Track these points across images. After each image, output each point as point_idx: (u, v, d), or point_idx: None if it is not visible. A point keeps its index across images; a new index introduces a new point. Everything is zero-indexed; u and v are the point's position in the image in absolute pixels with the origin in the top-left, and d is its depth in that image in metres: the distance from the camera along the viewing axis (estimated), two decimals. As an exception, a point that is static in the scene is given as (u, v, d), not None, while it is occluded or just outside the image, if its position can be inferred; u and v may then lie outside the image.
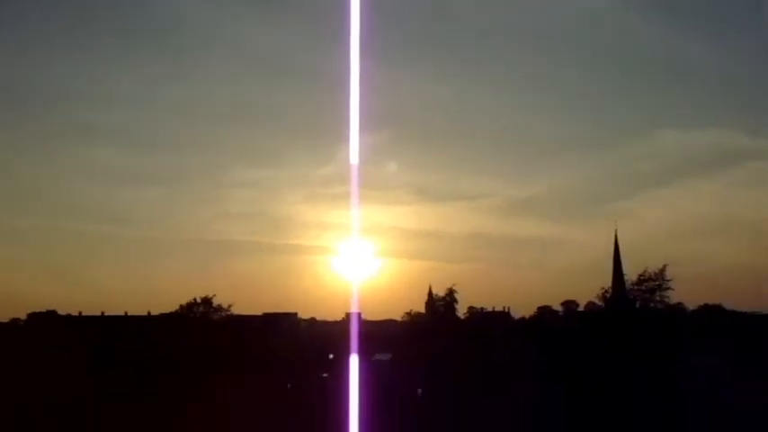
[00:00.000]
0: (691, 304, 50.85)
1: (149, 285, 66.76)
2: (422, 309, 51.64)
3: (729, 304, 52.51)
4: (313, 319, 54.31)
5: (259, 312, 51.90)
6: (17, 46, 62.44)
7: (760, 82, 67.01)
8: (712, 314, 50.04)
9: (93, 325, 47.24)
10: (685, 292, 48.88)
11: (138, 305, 55.17)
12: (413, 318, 51.16)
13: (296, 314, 55.99)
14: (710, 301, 52.47)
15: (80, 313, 51.63)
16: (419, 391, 40.26)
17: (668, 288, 44.77)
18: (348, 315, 42.41)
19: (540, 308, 56.92)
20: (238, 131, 68.61)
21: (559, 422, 34.13)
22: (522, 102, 67.81)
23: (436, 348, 43.31)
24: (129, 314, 50.15)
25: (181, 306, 45.06)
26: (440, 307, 49.50)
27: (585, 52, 68.02)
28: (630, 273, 47.47)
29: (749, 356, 41.25)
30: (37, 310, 52.49)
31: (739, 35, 65.74)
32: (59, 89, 60.92)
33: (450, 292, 48.66)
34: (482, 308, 54.44)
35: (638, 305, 45.59)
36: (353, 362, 27.45)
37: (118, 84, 62.30)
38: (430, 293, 50.04)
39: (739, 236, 66.06)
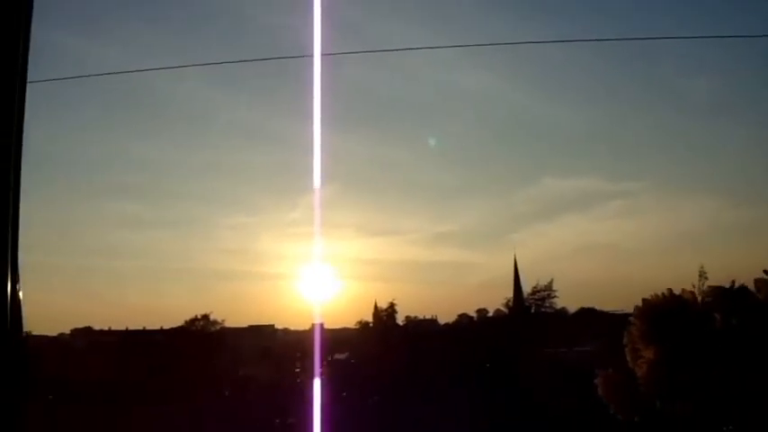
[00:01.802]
0: (571, 308, 53.32)
1: (161, 305, 68.50)
2: (370, 318, 52.28)
3: (600, 306, 55.39)
4: (287, 329, 56.09)
5: (245, 325, 54.22)
6: (68, 123, 63.38)
7: (616, 137, 71.22)
8: (587, 314, 52.74)
9: (120, 337, 48.11)
10: (567, 299, 51.67)
11: (152, 321, 56.51)
12: (363, 325, 52.40)
13: (273, 325, 57.51)
14: (586, 305, 55.06)
15: (110, 328, 52.35)
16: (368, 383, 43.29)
17: (555, 296, 48.50)
18: (313, 325, 44.84)
19: (459, 315, 58.95)
20: (226, 186, 70.94)
21: (477, 403, 36.64)
22: (437, 159, 71.16)
23: (382, 348, 46.25)
24: (146, 328, 51.06)
25: (185, 321, 47.20)
26: (384, 316, 50.88)
27: (483, 119, 71.77)
28: (526, 286, 50.41)
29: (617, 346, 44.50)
30: (78, 326, 52.93)
31: (599, 99, 69.88)
32: (96, 155, 62.87)
33: (392, 305, 50.52)
34: (415, 316, 55.87)
35: (533, 310, 48.86)
36: (317, 359, 31.17)
37: (137, 150, 64.15)
38: (375, 306, 51.37)
39: (605, 255, 69.75)
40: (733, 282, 30.65)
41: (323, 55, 10.09)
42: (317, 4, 7.47)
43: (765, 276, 29.82)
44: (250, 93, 63.73)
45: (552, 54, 57.58)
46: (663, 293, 29.71)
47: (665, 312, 28.56)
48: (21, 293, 3.48)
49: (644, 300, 29.48)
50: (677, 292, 30.59)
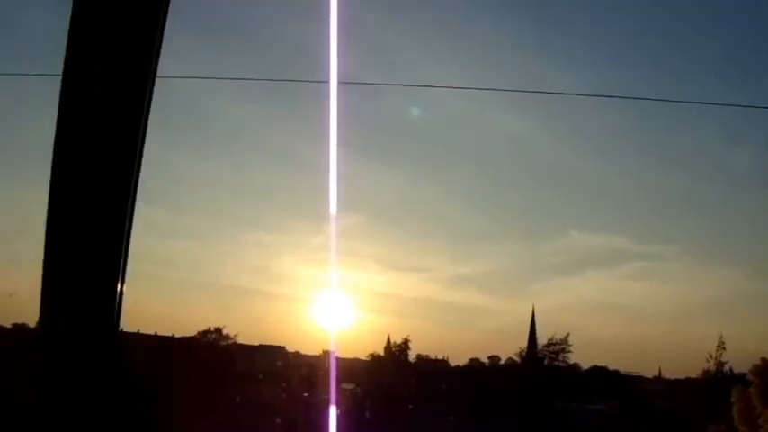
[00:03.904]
0: (584, 364, 52.78)
1: (176, 313, 68.35)
2: (382, 352, 51.19)
3: (612, 366, 54.86)
4: (297, 352, 55.86)
5: (257, 343, 54.12)
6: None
7: (649, 198, 70.45)
8: (599, 373, 52.35)
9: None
10: (581, 355, 51.14)
11: (164, 327, 56.34)
12: (375, 358, 52.20)
13: (284, 347, 57.42)
14: (599, 363, 54.58)
15: (122, 329, 52.17)
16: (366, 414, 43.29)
17: (569, 351, 47.32)
18: (325, 352, 44.62)
19: (471, 359, 58.42)
20: (254, 205, 70.73)
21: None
22: (466, 200, 70.84)
23: (392, 383, 46.19)
24: (157, 333, 50.89)
25: (198, 332, 47.16)
26: (396, 352, 50.14)
27: (516, 164, 71.42)
28: (542, 338, 49.32)
29: (627, 407, 44.18)
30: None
31: (636, 157, 69.34)
32: None
33: (406, 341, 49.83)
34: (427, 355, 55.24)
35: (546, 362, 47.97)
36: (332, 388, 30.99)
37: (164, 158, 64.45)
38: (389, 341, 50.52)
39: (623, 316, 68.70)
40: None
41: (339, 83, 10.12)
42: (333, 28, 7.41)
43: None
44: (285, 113, 64.04)
45: (593, 107, 57.48)
46: None
47: None
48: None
49: (763, 359, 27.56)
50: (699, 359, 29.92)
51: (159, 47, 3.44)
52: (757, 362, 27.66)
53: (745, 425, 26.74)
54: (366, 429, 41.22)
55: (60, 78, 3.21)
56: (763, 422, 26.02)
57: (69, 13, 3.20)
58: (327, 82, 8.63)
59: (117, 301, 3.31)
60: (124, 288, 3.37)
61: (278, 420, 41.72)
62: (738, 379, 42.67)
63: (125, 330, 52.31)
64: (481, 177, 72.10)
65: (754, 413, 26.46)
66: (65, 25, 3.21)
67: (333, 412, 20.71)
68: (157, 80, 3.43)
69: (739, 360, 43.87)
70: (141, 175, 3.32)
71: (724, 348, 40.10)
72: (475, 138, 71.39)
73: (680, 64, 60.57)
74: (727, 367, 40.35)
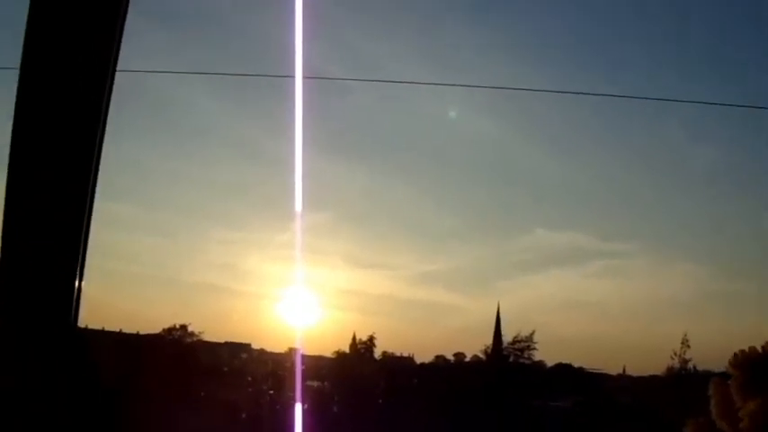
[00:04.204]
0: (549, 362, 52.89)
1: (142, 311, 67.49)
2: (347, 349, 50.20)
3: (577, 363, 55.16)
4: (263, 350, 55.45)
5: (222, 340, 53.70)
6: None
7: (613, 196, 71.09)
8: (564, 370, 52.58)
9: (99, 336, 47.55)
10: (545, 353, 51.22)
11: (130, 324, 55.57)
12: (340, 355, 51.83)
13: (250, 344, 56.93)
14: (564, 360, 54.84)
15: (86, 326, 51.64)
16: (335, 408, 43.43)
17: (534, 348, 47.61)
18: (290, 349, 44.32)
19: (436, 356, 58.28)
20: (221, 202, 69.97)
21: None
22: (433, 199, 70.95)
23: (358, 379, 46.10)
24: (122, 331, 50.34)
25: (164, 329, 46.01)
26: (362, 349, 49.81)
27: (484, 163, 71.66)
28: (507, 335, 49.27)
29: (591, 404, 44.59)
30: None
31: (600, 155, 69.90)
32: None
33: (371, 339, 49.47)
34: (392, 352, 54.95)
35: (511, 360, 48.15)
36: (297, 385, 30.94)
37: (130, 154, 63.62)
38: (354, 338, 50.01)
39: (588, 314, 69.13)
40: None
41: (304, 78, 10.12)
42: (298, 24, 7.37)
43: None
44: (253, 109, 63.66)
45: (557, 105, 57.75)
46: (764, 345, 28.09)
47: None
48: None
49: (742, 350, 27.96)
50: (663, 357, 30.11)
51: (120, 39, 3.40)
52: (731, 356, 28.59)
53: (724, 419, 27.58)
54: (333, 424, 41.23)
55: (17, 72, 3.16)
56: (743, 416, 26.85)
57: (27, 4, 3.15)
58: (293, 76, 8.62)
59: (75, 297, 3.27)
60: (83, 285, 3.33)
61: (243, 416, 41.67)
62: (703, 376, 43.30)
63: (90, 328, 51.84)
64: (448, 176, 72.37)
65: (734, 407, 27.28)
66: (22, 16, 3.16)
67: (298, 409, 20.64)
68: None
69: (703, 358, 44.35)
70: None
71: (688, 346, 40.42)
72: (442, 136, 71.64)
73: (644, 61, 61.34)
74: (690, 365, 40.74)
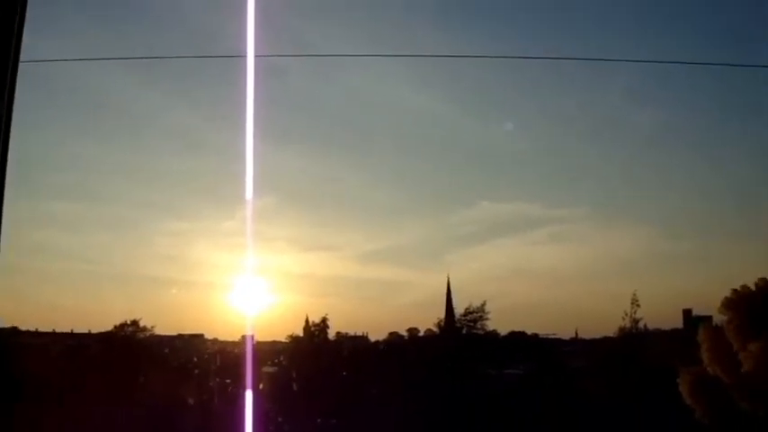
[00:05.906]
0: (502, 331, 53.67)
1: (92, 308, 66.48)
2: (301, 332, 51.48)
3: (530, 330, 56.12)
4: (216, 339, 55.17)
5: (174, 333, 53.34)
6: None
7: (555, 163, 72.35)
8: (517, 338, 53.47)
9: (47, 339, 46.89)
10: (498, 322, 51.97)
11: (81, 324, 54.65)
12: (294, 339, 52.09)
13: (203, 335, 56.78)
14: (517, 329, 55.68)
15: (36, 329, 50.40)
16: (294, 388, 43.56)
17: (486, 319, 47.87)
18: (244, 337, 44.24)
19: (390, 333, 58.94)
20: (165, 192, 69.21)
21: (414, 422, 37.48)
22: (374, 176, 71.44)
23: (313, 362, 46.12)
24: (74, 331, 49.59)
25: (114, 326, 45.59)
26: (315, 331, 50.17)
27: (423, 137, 72.23)
28: (459, 307, 50.13)
29: (544, 370, 45.40)
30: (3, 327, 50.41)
31: (541, 122, 70.79)
32: (32, 155, 59.17)
33: (324, 320, 49.82)
34: (346, 332, 55.38)
35: (464, 332, 48.59)
36: (248, 372, 30.86)
37: (72, 149, 62.41)
38: (307, 321, 50.64)
39: (536, 280, 70.64)
40: None
41: (256, 56, 10.10)
42: (251, 7, 7.49)
43: None
44: (190, 96, 62.78)
45: (494, 74, 58.30)
46: (757, 282, 25.26)
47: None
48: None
49: (734, 290, 25.02)
50: (615, 318, 29.68)
51: (21, 30, 3.38)
52: (721, 299, 24.95)
53: (719, 364, 25.65)
54: (290, 407, 41.39)
55: None
56: (745, 358, 24.28)
57: None
58: (244, 56, 8.55)
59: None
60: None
61: (191, 403, 41.65)
62: (654, 334, 44.20)
63: (40, 331, 50.70)
64: (390, 153, 72.60)
65: (729, 350, 24.95)
66: None
67: (249, 396, 20.67)
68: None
69: (653, 316, 45.26)
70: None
71: (638, 306, 40.88)
72: (383, 114, 71.80)
73: (584, 23, 62.01)
74: (641, 324, 41.25)
